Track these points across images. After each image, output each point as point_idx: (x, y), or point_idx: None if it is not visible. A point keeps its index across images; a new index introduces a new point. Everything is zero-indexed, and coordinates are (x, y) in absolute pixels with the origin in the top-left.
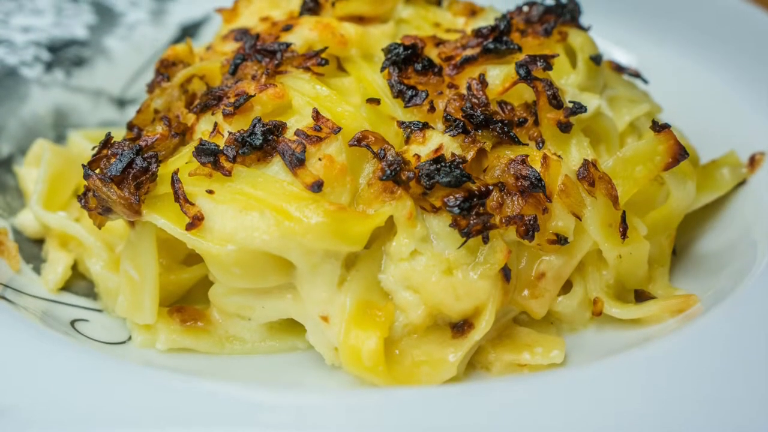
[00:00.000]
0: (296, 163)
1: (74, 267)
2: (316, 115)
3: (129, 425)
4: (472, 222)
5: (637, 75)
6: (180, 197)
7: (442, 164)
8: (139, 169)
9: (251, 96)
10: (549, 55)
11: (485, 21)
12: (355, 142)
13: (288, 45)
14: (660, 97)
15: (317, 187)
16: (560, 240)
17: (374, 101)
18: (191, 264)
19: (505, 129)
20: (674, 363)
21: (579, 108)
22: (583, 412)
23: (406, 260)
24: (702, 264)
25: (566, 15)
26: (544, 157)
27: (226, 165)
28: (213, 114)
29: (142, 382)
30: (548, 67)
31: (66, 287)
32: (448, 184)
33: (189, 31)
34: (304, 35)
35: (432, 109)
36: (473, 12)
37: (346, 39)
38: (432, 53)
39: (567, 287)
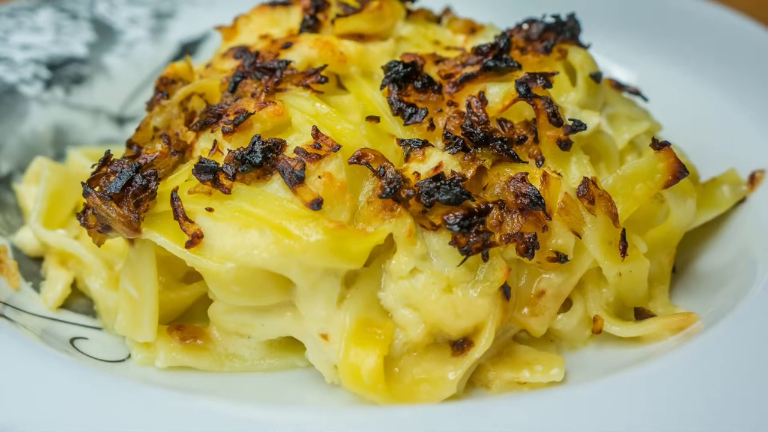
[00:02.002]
0: (296, 180)
1: (73, 285)
2: (316, 133)
3: None
4: (471, 240)
5: (636, 93)
6: (179, 215)
7: (442, 182)
8: (139, 186)
9: (251, 114)
10: (549, 72)
11: (485, 38)
12: (355, 160)
13: (287, 63)
14: (660, 114)
15: (317, 204)
16: (560, 258)
17: (374, 119)
18: (191, 282)
19: (505, 147)
20: (674, 381)
21: (579, 126)
22: (583, 430)
23: (405, 278)
24: (702, 282)
25: (566, 33)
26: (544, 175)
27: (226, 183)
28: (212, 132)
29: (141, 400)
30: (548, 84)
31: (65, 305)
32: (447, 202)
33: (188, 49)
34: (303, 53)
35: (432, 126)
36: (473, 30)
37: (345, 56)
38: (432, 71)
39: (567, 305)
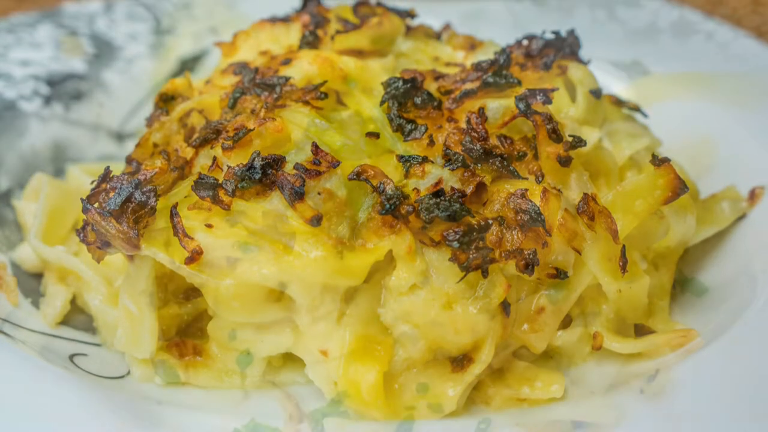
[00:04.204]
0: (295, 197)
1: (73, 301)
2: (315, 149)
3: None
4: (471, 256)
5: (636, 109)
6: (179, 231)
7: (442, 198)
8: (138, 203)
9: (250, 130)
10: (548, 88)
11: (485, 55)
12: (355, 176)
13: (287, 79)
14: (659, 131)
15: (316, 221)
16: (560, 274)
17: (373, 135)
18: (190, 298)
19: (505, 163)
20: (674, 398)
21: (578, 142)
22: None
23: (405, 294)
24: (702, 298)
25: (566, 49)
26: (544, 191)
27: (225, 199)
28: (212, 148)
29: (140, 416)
30: (548, 100)
31: (65, 321)
32: (447, 218)
33: (188, 65)
34: (303, 69)
35: (431, 142)
36: (473, 46)
37: (345, 73)
38: (431, 87)
39: (566, 321)
